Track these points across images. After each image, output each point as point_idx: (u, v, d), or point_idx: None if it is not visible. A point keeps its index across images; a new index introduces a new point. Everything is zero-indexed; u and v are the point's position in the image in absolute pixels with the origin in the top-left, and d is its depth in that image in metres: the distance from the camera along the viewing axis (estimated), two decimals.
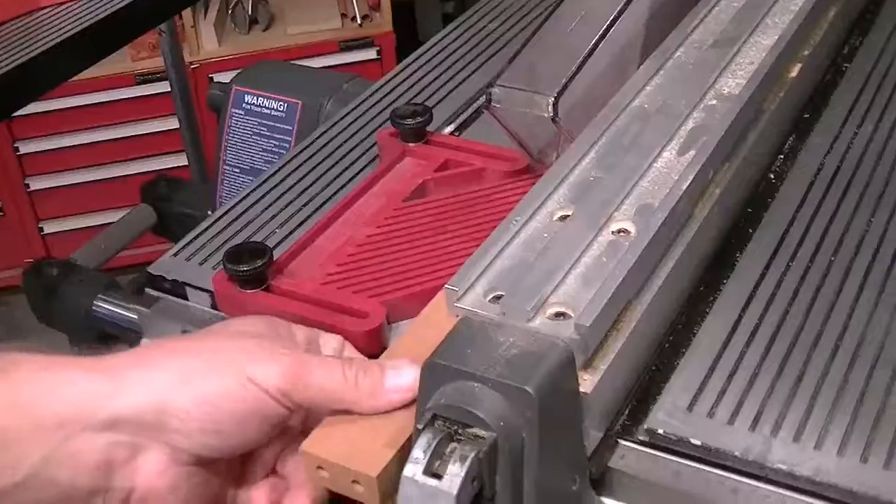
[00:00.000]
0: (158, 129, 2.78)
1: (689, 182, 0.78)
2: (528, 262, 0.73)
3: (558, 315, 0.69)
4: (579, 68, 0.84)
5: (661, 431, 0.74)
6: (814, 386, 0.76)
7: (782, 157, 0.99)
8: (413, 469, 0.63)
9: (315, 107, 1.30)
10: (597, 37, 0.85)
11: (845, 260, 0.86)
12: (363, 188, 0.95)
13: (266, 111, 1.32)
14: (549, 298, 0.70)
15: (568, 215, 0.77)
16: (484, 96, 0.86)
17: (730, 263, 0.87)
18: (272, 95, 1.32)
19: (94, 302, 1.33)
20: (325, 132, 1.08)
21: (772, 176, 0.97)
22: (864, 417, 0.73)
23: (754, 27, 0.97)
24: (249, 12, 2.77)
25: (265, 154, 1.33)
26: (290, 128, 1.31)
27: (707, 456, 0.72)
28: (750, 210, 0.93)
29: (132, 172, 2.79)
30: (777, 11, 0.99)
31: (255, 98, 1.33)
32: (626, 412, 0.76)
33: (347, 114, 1.11)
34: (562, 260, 0.73)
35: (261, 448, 0.72)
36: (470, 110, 1.09)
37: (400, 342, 0.75)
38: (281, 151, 1.32)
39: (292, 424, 0.73)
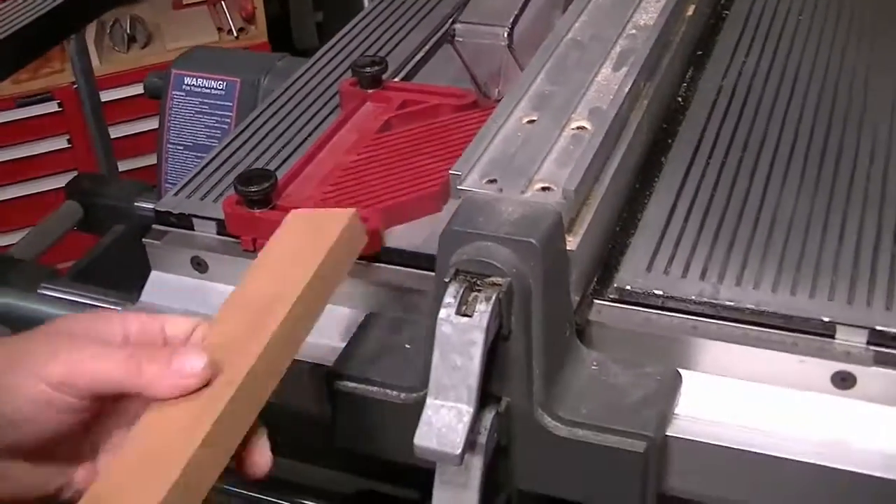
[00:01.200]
0: (44, 151, 2.83)
1: (628, 88, 0.94)
2: (510, 154, 0.88)
3: (544, 189, 0.84)
4: (525, 5, 1.00)
5: (628, 287, 0.89)
6: (745, 247, 0.92)
7: (685, 84, 1.16)
8: (447, 312, 0.77)
9: (253, 83, 1.42)
10: None
11: (752, 155, 1.04)
12: (336, 127, 1.08)
13: (206, 90, 1.44)
14: (535, 177, 0.85)
15: (534, 119, 0.92)
16: (447, 32, 1.01)
17: (657, 165, 1.04)
18: (211, 76, 1.44)
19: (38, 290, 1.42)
20: (283, 93, 1.21)
21: (679, 100, 1.14)
22: (788, 265, 0.90)
23: None
24: (128, 30, 2.85)
25: (207, 130, 1.45)
26: (231, 104, 1.43)
27: (668, 303, 0.88)
28: (665, 126, 1.10)
29: (22, 194, 2.83)
30: None
31: (194, 80, 1.45)
32: (595, 279, 0.92)
33: (300, 76, 1.24)
34: (538, 150, 0.88)
35: (89, 430, 0.76)
36: (409, 66, 1.24)
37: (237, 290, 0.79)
38: (223, 127, 1.43)
39: (126, 406, 0.77)
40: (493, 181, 0.84)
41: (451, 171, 0.84)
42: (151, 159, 2.76)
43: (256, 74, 1.43)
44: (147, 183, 1.86)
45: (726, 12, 1.29)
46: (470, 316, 0.76)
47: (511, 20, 0.98)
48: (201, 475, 0.67)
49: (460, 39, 1.00)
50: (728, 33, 1.25)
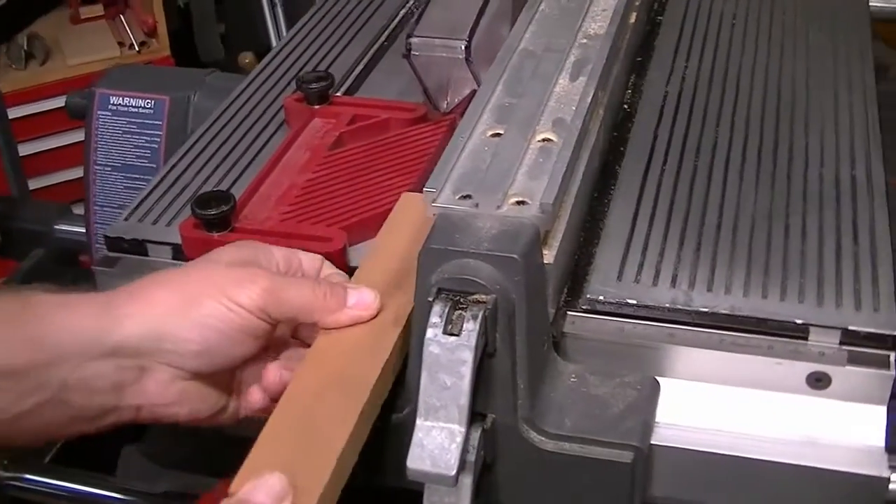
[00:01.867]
0: None
1: (589, 98, 0.94)
2: (481, 168, 0.87)
3: (520, 203, 0.84)
4: (479, 18, 0.99)
5: (601, 298, 0.89)
6: (711, 251, 0.93)
7: (630, 91, 1.17)
8: (433, 331, 0.76)
9: (183, 100, 1.39)
10: None
11: (706, 159, 1.05)
12: (286, 145, 1.06)
13: (134, 110, 1.40)
14: (509, 192, 0.84)
15: (500, 133, 0.91)
16: (404, 47, 1.00)
17: (613, 174, 1.04)
18: (138, 94, 1.40)
19: None
20: (224, 111, 1.18)
21: (626, 107, 1.14)
22: (756, 268, 0.91)
23: None
24: (25, 47, 2.77)
25: (137, 150, 1.41)
26: (160, 123, 1.40)
27: (642, 312, 0.89)
28: (616, 134, 1.10)
29: None
30: None
31: (120, 99, 1.41)
32: (566, 291, 0.91)
33: (240, 93, 1.22)
34: (508, 164, 0.87)
35: (252, 360, 0.83)
36: (351, 80, 1.22)
37: (370, 255, 0.89)
38: (153, 146, 1.40)
39: (279, 335, 0.84)
40: (467, 197, 0.84)
41: (425, 189, 0.83)
42: (57, 178, 2.72)
43: (186, 91, 1.39)
44: (64, 204, 1.81)
45: (660, 18, 1.30)
46: (457, 335, 0.76)
47: (467, 33, 0.98)
48: (377, 397, 0.78)
49: (416, 53, 0.99)
50: (665, 39, 1.26)
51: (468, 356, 0.75)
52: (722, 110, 1.12)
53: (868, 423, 0.85)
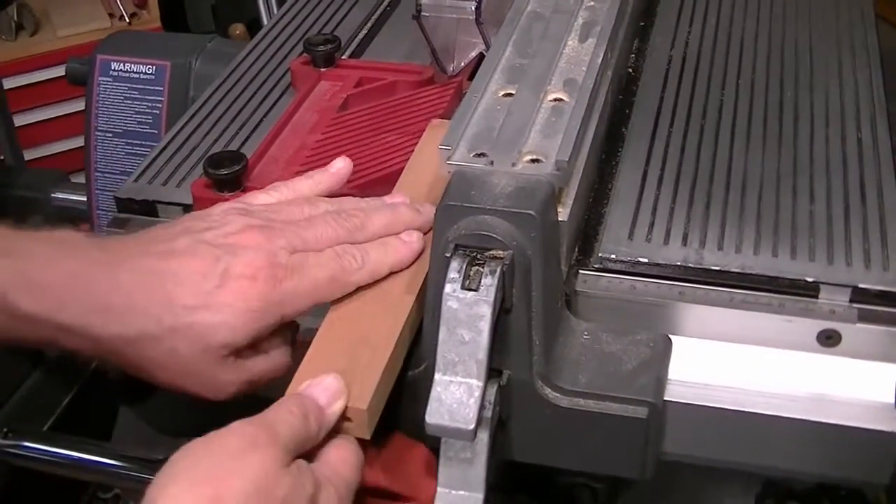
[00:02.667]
0: None
1: (599, 60, 0.95)
2: (494, 127, 0.87)
3: (534, 161, 0.84)
4: None
5: (613, 256, 0.90)
6: (721, 211, 0.94)
7: (633, 55, 1.17)
8: (452, 287, 0.76)
9: (185, 66, 1.39)
10: None
11: (713, 122, 1.05)
12: (294, 107, 1.06)
13: (135, 76, 1.40)
14: (523, 150, 0.85)
15: (512, 93, 0.91)
16: (414, 7, 1.00)
17: (619, 136, 1.05)
18: (139, 60, 1.40)
19: None
20: (229, 75, 1.18)
21: (630, 70, 1.15)
22: (766, 228, 0.92)
23: None
24: (15, 18, 2.75)
25: (138, 116, 1.41)
26: (161, 88, 1.39)
27: (654, 271, 0.89)
28: (621, 97, 1.10)
29: None
30: None
31: (121, 64, 1.40)
32: (577, 250, 0.92)
33: (245, 57, 1.22)
34: (521, 123, 0.88)
35: None
36: (355, 43, 1.22)
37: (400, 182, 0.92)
38: (154, 112, 1.40)
39: None
40: (481, 154, 0.84)
41: (440, 146, 0.83)
42: (50, 149, 2.71)
43: (187, 57, 1.39)
44: (61, 172, 1.81)
45: None
46: (475, 290, 0.76)
47: None
48: (416, 315, 0.82)
49: (426, 14, 0.99)
50: (667, 4, 1.26)
51: (487, 311, 0.75)
52: (727, 74, 1.12)
53: (878, 379, 0.86)
